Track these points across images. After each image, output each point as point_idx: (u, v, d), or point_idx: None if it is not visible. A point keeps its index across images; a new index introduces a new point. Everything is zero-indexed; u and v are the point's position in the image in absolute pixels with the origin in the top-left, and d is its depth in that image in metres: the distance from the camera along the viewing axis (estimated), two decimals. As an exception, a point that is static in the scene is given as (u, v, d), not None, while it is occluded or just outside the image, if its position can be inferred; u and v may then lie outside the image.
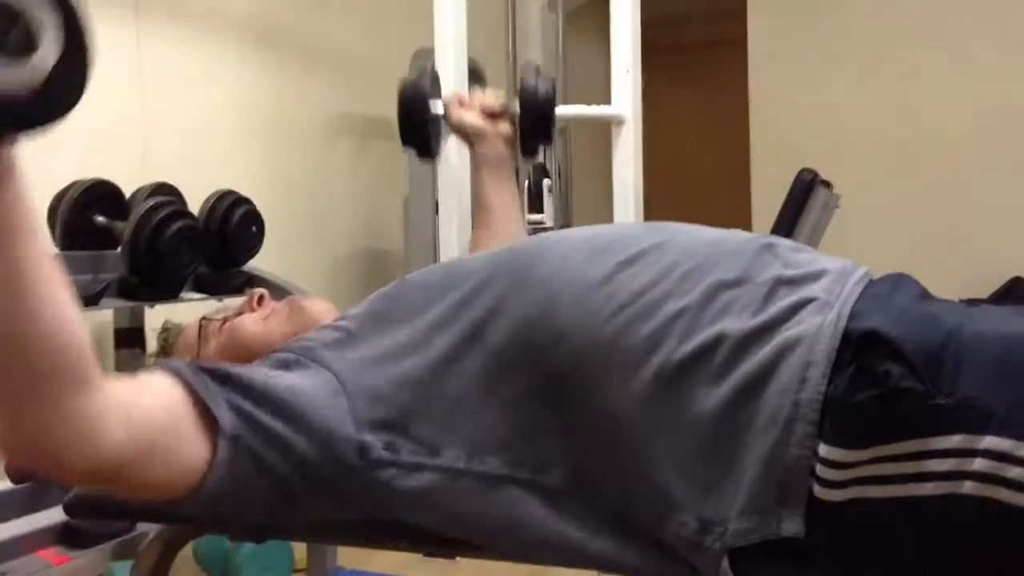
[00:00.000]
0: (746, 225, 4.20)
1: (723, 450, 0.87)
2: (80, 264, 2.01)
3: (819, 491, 0.83)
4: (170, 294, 2.06)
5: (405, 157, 3.30)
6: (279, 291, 2.36)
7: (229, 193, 2.22)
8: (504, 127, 1.53)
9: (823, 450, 0.82)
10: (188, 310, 2.28)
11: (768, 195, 4.65)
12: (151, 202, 1.96)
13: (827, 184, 3.98)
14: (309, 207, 3.34)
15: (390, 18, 3.73)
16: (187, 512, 0.93)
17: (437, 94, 1.55)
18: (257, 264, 2.38)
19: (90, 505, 1.19)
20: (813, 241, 3.88)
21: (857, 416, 0.82)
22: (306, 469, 0.91)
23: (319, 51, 3.46)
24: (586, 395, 0.92)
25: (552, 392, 0.93)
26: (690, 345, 0.90)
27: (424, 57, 2.66)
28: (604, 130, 2.49)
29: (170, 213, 1.95)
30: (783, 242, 1.03)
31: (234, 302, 1.31)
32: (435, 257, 2.94)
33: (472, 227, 1.60)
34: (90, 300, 1.90)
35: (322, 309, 1.19)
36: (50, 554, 1.82)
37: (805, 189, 3.39)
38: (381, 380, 0.96)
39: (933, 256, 4.70)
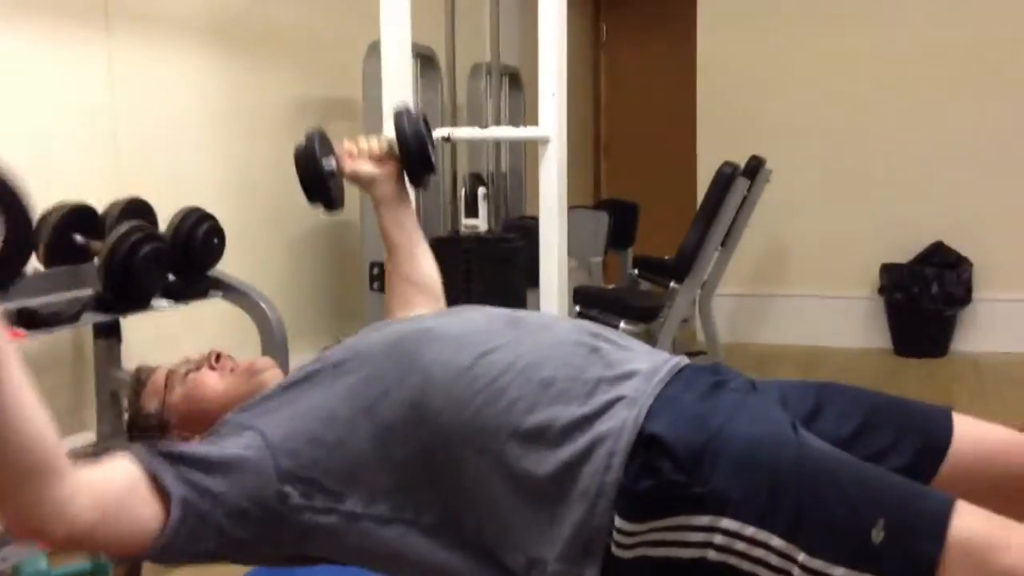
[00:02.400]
0: (691, 178, 4.40)
1: (548, 510, 1.17)
2: (61, 279, 2.29)
3: (615, 550, 1.14)
4: (142, 305, 2.34)
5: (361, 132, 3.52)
6: (238, 295, 2.65)
7: (194, 210, 2.48)
8: (391, 167, 1.69)
9: (617, 521, 1.13)
10: (157, 316, 2.57)
11: (712, 148, 4.92)
12: (125, 227, 2.23)
13: (759, 160, 4.26)
14: (271, 189, 3.55)
15: (347, 4, 3.91)
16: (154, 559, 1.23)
17: (328, 151, 1.67)
18: (222, 265, 2.65)
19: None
20: (743, 217, 4.18)
21: (640, 498, 1.13)
22: (241, 517, 1.20)
23: (275, 38, 3.61)
24: (452, 460, 1.22)
25: (427, 456, 1.23)
26: (529, 423, 1.19)
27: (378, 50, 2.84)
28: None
29: (140, 238, 2.22)
30: (607, 342, 1.31)
31: (195, 354, 1.57)
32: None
33: (387, 266, 1.74)
34: (72, 318, 2.18)
35: (273, 376, 1.44)
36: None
37: (725, 182, 3.64)
38: (299, 440, 1.25)
39: (862, 222, 5.02)
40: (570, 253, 4.39)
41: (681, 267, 3.78)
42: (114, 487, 1.14)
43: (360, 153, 1.69)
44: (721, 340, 4.67)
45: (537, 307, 2.68)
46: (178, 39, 3.17)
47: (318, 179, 1.65)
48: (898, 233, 4.92)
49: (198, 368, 1.48)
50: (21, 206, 0.99)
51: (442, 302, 1.71)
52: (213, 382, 1.44)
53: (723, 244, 4.29)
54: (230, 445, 1.24)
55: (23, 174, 2.65)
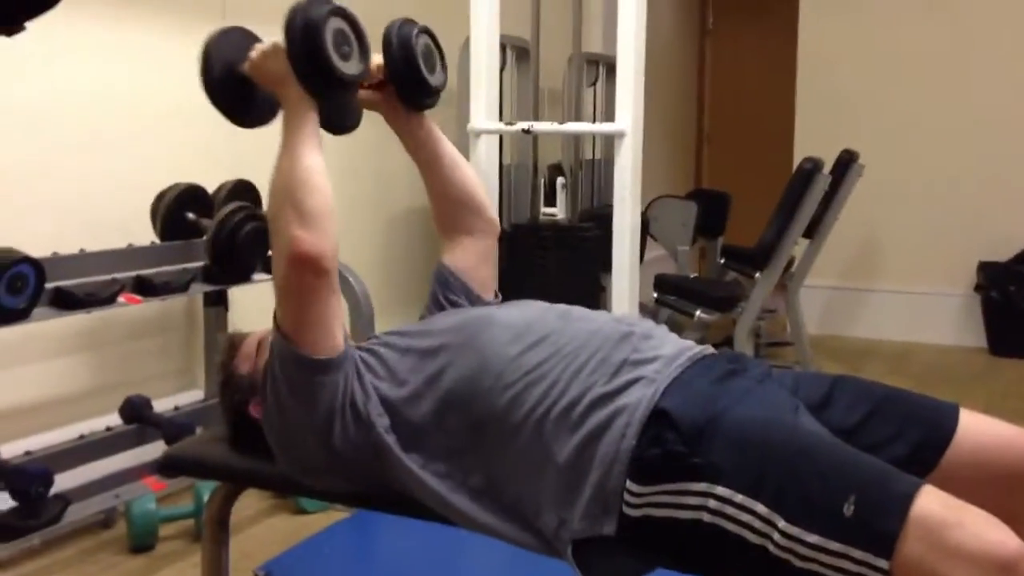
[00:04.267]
0: (786, 169, 4.44)
1: (574, 475, 1.34)
2: (175, 253, 2.55)
3: (626, 509, 1.30)
4: (244, 278, 2.58)
5: (456, 122, 3.69)
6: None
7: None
8: (390, 90, 1.62)
9: (629, 484, 1.29)
10: (259, 287, 2.82)
11: (808, 144, 4.92)
12: (230, 206, 2.47)
13: (852, 154, 4.27)
14: (368, 172, 3.76)
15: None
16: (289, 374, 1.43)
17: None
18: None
19: (178, 465, 1.75)
20: (832, 210, 4.19)
21: (648, 465, 1.28)
22: (355, 405, 1.44)
23: (377, 31, 3.84)
24: (498, 431, 1.40)
25: (477, 426, 1.41)
26: (562, 402, 1.36)
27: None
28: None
29: (244, 217, 2.45)
30: (639, 332, 1.46)
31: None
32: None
33: (428, 193, 1.72)
34: (183, 287, 2.44)
35: None
36: (151, 481, 2.39)
37: (806, 177, 3.69)
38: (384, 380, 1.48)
39: (961, 219, 4.96)
40: (658, 241, 4.53)
41: (760, 258, 3.85)
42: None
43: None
44: (812, 332, 4.70)
45: (610, 291, 2.83)
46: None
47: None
48: (997, 231, 4.85)
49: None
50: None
51: (486, 211, 1.72)
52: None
53: (811, 237, 4.34)
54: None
55: (148, 154, 2.91)
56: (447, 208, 1.71)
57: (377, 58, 1.58)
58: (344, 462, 1.47)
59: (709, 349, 1.49)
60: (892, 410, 1.43)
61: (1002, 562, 1.08)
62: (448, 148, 1.70)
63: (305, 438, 1.46)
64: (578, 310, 1.56)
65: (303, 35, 1.43)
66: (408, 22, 1.60)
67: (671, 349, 1.44)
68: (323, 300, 1.41)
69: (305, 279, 1.39)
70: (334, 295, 1.43)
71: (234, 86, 1.55)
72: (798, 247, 4.28)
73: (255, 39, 1.57)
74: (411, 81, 1.58)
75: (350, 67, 1.48)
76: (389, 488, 1.49)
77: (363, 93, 1.63)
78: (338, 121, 1.63)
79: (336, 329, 1.44)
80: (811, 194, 3.73)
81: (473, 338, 1.46)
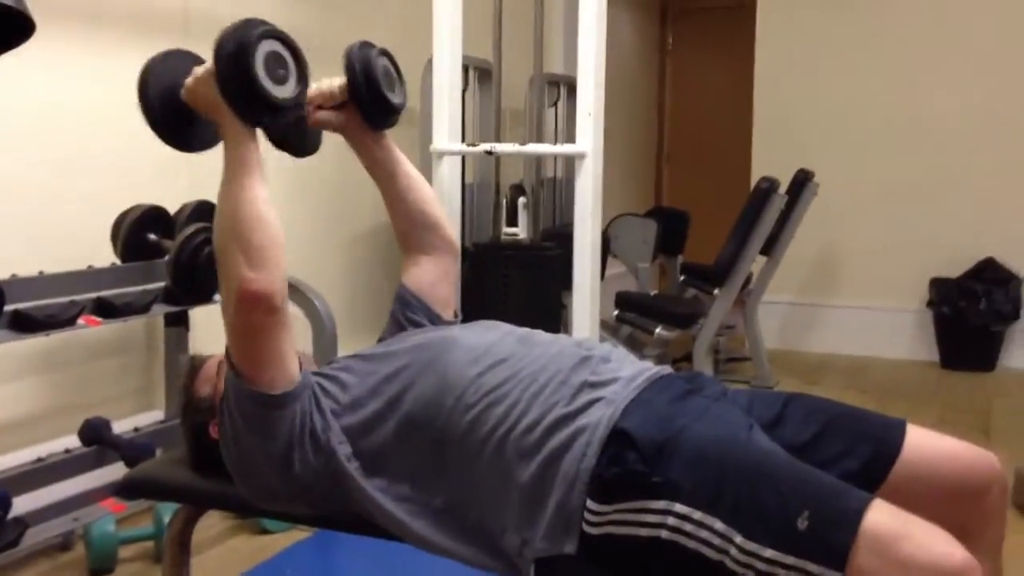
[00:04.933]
0: (744, 188, 4.52)
1: (536, 494, 1.36)
2: (136, 274, 2.55)
3: (587, 528, 1.32)
4: (206, 298, 2.58)
5: (419, 142, 3.71)
6: (292, 290, 2.87)
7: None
8: (350, 110, 1.63)
9: (589, 503, 1.31)
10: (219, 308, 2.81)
11: (764, 164, 5.02)
12: (192, 227, 2.47)
13: (807, 173, 4.35)
14: (329, 192, 3.77)
15: (407, 22, 4.11)
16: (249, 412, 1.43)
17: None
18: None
19: (139, 487, 1.75)
20: (788, 228, 4.27)
21: (608, 484, 1.30)
22: (314, 433, 1.44)
23: (339, 53, 3.86)
24: (459, 451, 1.41)
25: (438, 447, 1.43)
26: (523, 423, 1.39)
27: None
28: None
29: (205, 238, 2.45)
30: (598, 355, 1.49)
31: None
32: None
33: (388, 211, 1.74)
34: (144, 308, 2.43)
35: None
36: (110, 503, 2.37)
37: (763, 196, 3.76)
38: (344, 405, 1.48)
39: (914, 236, 5.07)
40: (619, 259, 4.58)
41: (718, 275, 3.91)
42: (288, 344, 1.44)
43: (320, 99, 1.62)
44: (770, 347, 4.77)
45: (571, 309, 2.86)
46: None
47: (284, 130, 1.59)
48: (948, 248, 4.96)
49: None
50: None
51: (443, 229, 1.74)
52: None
53: (768, 254, 4.41)
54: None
55: (107, 175, 2.89)
56: (405, 226, 1.75)
57: (338, 80, 1.62)
58: (304, 488, 1.48)
59: (666, 369, 1.52)
60: (842, 427, 1.47)
61: (948, 573, 1.12)
62: (406, 167, 1.73)
63: (263, 467, 1.46)
64: (539, 334, 1.59)
65: (232, 60, 1.38)
66: (367, 44, 1.63)
67: (629, 371, 1.47)
68: (275, 336, 1.41)
69: (255, 317, 1.39)
70: (285, 328, 1.43)
71: (172, 112, 1.51)
72: (756, 264, 4.35)
73: (197, 62, 1.53)
74: (373, 100, 1.61)
75: (284, 91, 1.44)
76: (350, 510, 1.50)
77: (323, 114, 1.64)
78: (296, 144, 1.65)
79: (290, 361, 1.44)
80: (768, 212, 3.80)
81: (435, 360, 1.48)
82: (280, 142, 1.59)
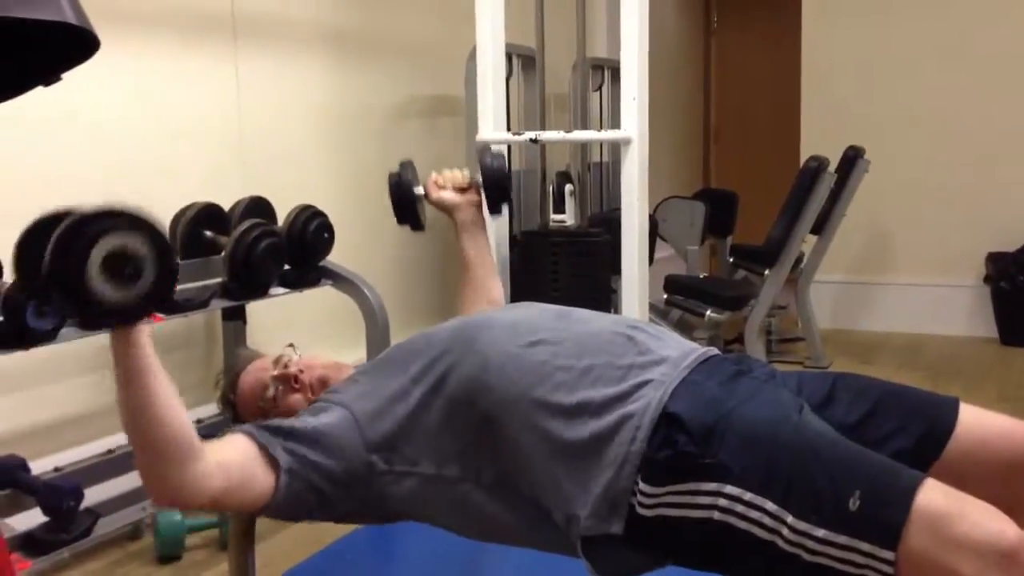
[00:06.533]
0: (793, 166, 4.50)
1: (582, 474, 1.38)
2: (194, 270, 2.61)
3: (639, 509, 1.34)
4: (261, 292, 2.64)
5: (465, 132, 3.73)
6: (345, 283, 2.93)
7: (307, 208, 2.77)
8: (472, 196, 1.96)
9: (641, 485, 1.33)
10: (276, 302, 2.88)
11: (814, 142, 4.96)
12: (246, 223, 2.53)
13: (857, 150, 4.30)
14: (380, 186, 3.82)
15: (450, 13, 4.14)
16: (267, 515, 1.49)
17: (416, 179, 1.94)
18: (332, 256, 2.94)
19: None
20: (839, 206, 4.23)
21: (660, 466, 1.32)
22: (335, 482, 1.46)
23: (384, 45, 3.85)
24: (506, 429, 1.43)
25: (486, 425, 1.45)
26: (568, 404, 1.40)
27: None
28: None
29: (260, 233, 2.51)
30: (643, 334, 1.51)
31: (281, 349, 1.71)
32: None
33: (460, 282, 1.98)
34: (202, 303, 2.50)
35: (343, 376, 1.66)
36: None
37: (811, 175, 3.72)
38: (381, 415, 1.50)
39: (969, 211, 4.98)
40: (667, 241, 4.57)
41: (769, 256, 3.88)
42: (236, 461, 1.39)
43: (445, 182, 1.96)
44: (823, 327, 4.74)
45: (620, 294, 2.88)
46: (296, 48, 3.47)
47: (408, 204, 1.93)
48: (1004, 222, 4.87)
49: (284, 392, 1.67)
50: (168, 256, 1.15)
51: (492, 300, 1.95)
52: (300, 403, 1.65)
53: (819, 233, 4.37)
54: (325, 420, 1.49)
55: (162, 176, 2.98)
56: (472, 297, 1.94)
57: (465, 172, 1.97)
58: (353, 514, 1.54)
59: (713, 350, 1.53)
60: (894, 405, 1.47)
61: (1002, 551, 1.13)
62: (493, 260, 2.03)
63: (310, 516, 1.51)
64: (577, 311, 1.60)
65: (59, 267, 1.15)
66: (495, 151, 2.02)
67: (676, 351, 1.47)
68: (224, 496, 1.37)
69: (189, 507, 1.49)
70: (222, 484, 1.35)
71: None
72: (807, 243, 4.32)
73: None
74: (500, 190, 1.93)
75: (126, 290, 1.18)
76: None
77: (447, 194, 1.94)
78: (416, 223, 1.98)
79: (257, 481, 1.40)
80: (818, 191, 3.77)
81: (473, 340, 1.50)
82: (403, 220, 1.96)
